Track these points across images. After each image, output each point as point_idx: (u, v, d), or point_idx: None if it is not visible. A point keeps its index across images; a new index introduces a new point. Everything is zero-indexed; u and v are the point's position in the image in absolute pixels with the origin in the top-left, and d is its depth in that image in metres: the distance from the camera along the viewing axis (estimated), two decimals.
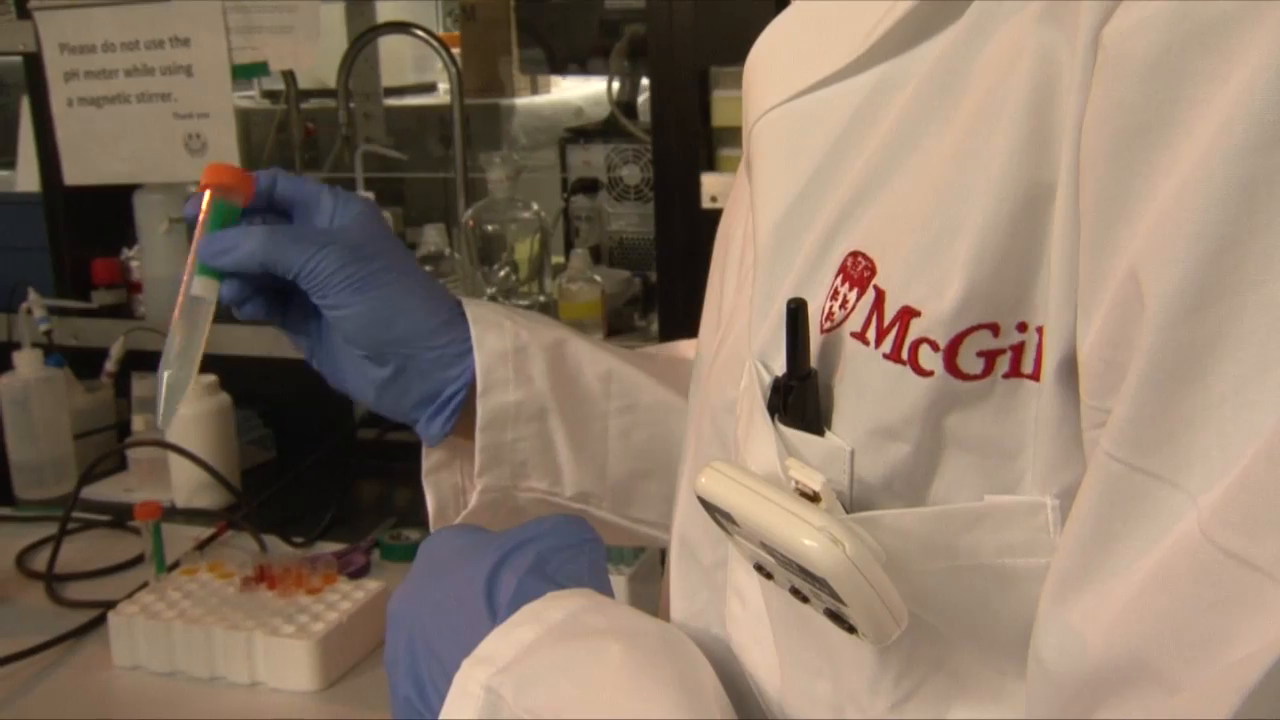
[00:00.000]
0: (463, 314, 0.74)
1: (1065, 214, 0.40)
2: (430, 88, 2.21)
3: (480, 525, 0.65)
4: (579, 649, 0.53)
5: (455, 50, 1.89)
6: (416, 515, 1.64)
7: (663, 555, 1.33)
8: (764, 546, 0.46)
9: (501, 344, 0.73)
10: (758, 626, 0.54)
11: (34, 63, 1.75)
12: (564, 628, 0.53)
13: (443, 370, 0.72)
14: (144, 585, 1.31)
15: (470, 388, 0.73)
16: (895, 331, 0.44)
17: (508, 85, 2.03)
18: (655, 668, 0.52)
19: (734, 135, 1.55)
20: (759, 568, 0.49)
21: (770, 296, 0.50)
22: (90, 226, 1.90)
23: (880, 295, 0.45)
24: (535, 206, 1.73)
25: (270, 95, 2.12)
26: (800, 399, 0.47)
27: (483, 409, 0.72)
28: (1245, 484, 0.33)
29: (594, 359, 0.76)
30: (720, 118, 1.53)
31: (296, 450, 1.77)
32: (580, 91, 2.18)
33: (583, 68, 1.95)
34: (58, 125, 1.71)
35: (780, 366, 0.49)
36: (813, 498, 0.45)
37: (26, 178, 1.94)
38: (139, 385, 1.76)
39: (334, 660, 1.21)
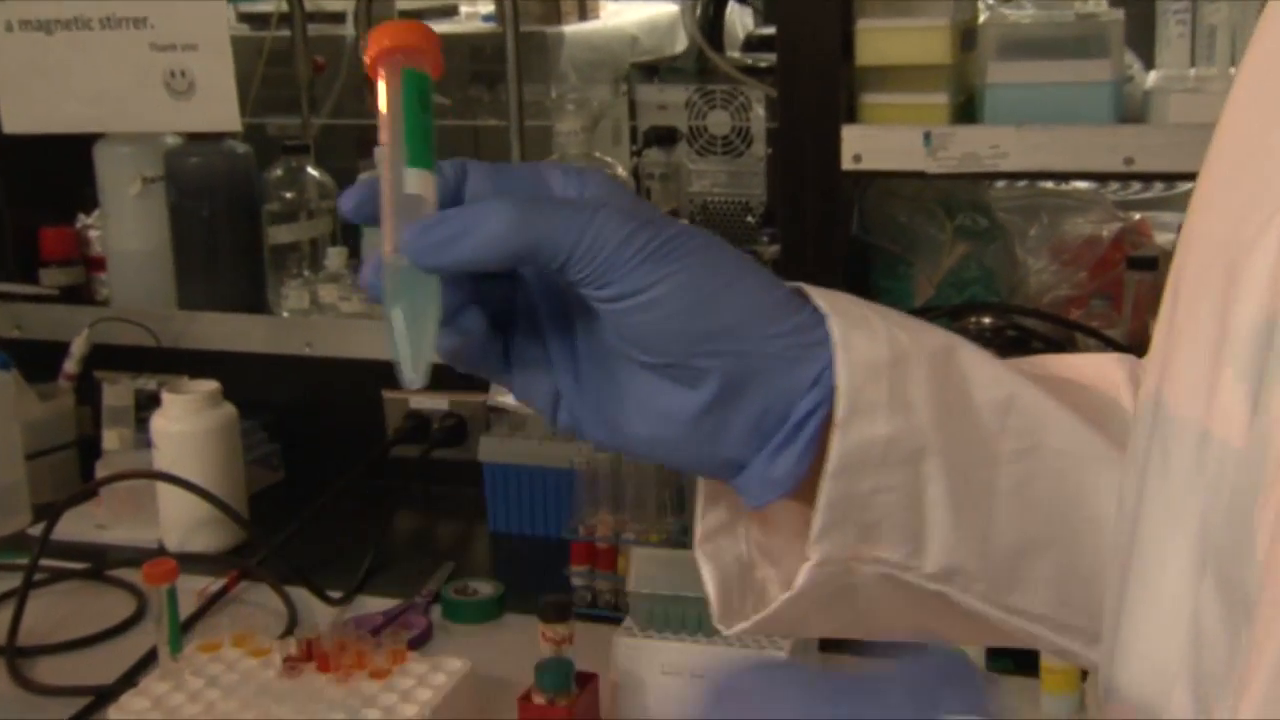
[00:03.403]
0: (801, 294, 0.57)
1: None
2: (451, 10, 1.92)
3: (798, 623, 0.61)
4: None
5: None
6: (478, 559, 1.38)
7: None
8: None
9: (874, 350, 0.57)
10: None
11: None
12: None
13: (790, 373, 0.56)
14: (146, 662, 1.12)
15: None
16: None
17: (552, 9, 1.73)
18: None
19: (883, 76, 1.33)
20: None
21: None
22: (37, 187, 1.73)
23: None
24: (619, 168, 1.46)
25: (250, 19, 1.82)
26: None
27: (841, 444, 0.56)
28: None
29: (992, 378, 0.61)
30: (867, 54, 1.29)
31: (309, 470, 1.57)
32: (633, 17, 1.89)
33: None
34: None
35: None
36: None
37: None
38: (109, 391, 1.52)
39: None
